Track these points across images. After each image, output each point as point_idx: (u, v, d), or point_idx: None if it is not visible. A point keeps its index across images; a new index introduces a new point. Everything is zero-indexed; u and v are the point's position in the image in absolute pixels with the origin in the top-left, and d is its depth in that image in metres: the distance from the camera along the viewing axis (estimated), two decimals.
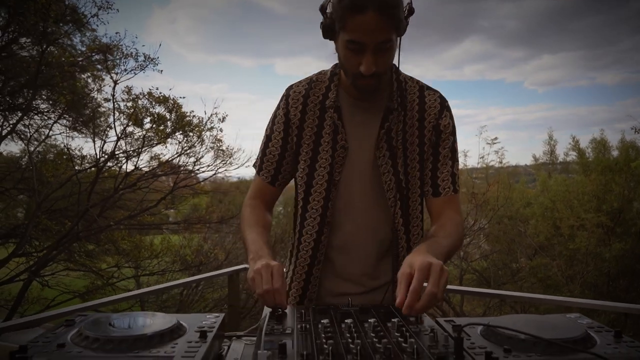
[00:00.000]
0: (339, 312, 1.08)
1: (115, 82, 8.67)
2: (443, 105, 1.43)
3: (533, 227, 11.94)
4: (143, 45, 18.06)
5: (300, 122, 1.43)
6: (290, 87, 1.47)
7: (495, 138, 11.89)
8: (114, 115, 8.93)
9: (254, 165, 1.54)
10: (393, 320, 0.97)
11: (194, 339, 0.94)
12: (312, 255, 1.41)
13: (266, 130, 1.50)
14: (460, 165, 12.57)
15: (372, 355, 0.81)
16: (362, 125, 1.41)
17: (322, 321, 0.97)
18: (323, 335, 0.90)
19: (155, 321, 1.02)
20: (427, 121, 1.41)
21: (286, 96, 1.46)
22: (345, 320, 0.97)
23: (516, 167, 12.74)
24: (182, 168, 10.08)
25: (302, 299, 1.43)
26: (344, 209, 1.41)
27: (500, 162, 11.56)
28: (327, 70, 1.46)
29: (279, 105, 1.48)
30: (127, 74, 8.95)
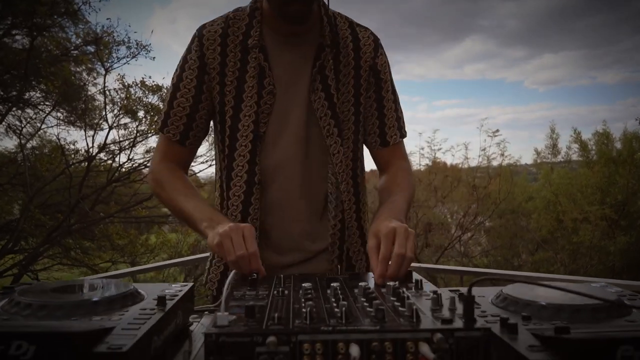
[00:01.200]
0: (324, 279, 0.92)
1: (107, 70, 8.49)
2: (377, 43, 1.29)
3: (535, 221, 11.76)
4: (135, 32, 17.48)
5: (220, 67, 1.21)
6: (203, 27, 1.25)
7: (497, 130, 11.64)
8: (105, 104, 8.74)
9: (157, 122, 1.31)
10: (389, 284, 0.82)
11: (150, 307, 0.79)
12: (242, 220, 1.21)
13: (172, 79, 1.27)
14: (462, 159, 12.47)
15: (361, 318, 0.65)
16: (292, 66, 1.22)
17: (303, 284, 0.81)
18: (303, 300, 0.74)
19: (106, 287, 0.86)
20: (362, 60, 1.26)
21: (199, 37, 1.23)
22: (332, 284, 0.81)
23: (516, 165, 12.51)
24: None
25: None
26: (274, 164, 1.23)
27: (502, 155, 11.37)
28: (245, 6, 1.26)
29: (189, 48, 1.25)
30: (119, 61, 8.78)
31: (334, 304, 0.72)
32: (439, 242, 11.57)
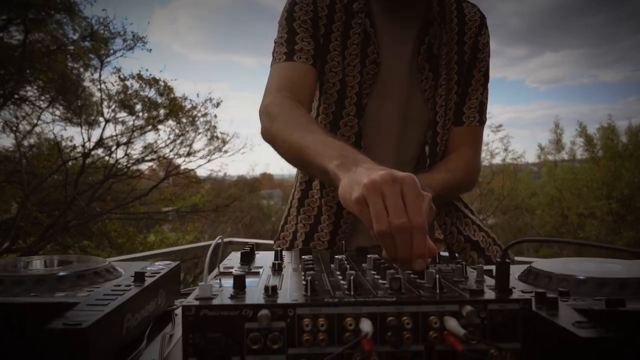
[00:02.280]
0: (327, 253, 0.81)
1: (102, 62, 8.38)
2: (483, 21, 1.20)
3: (539, 217, 11.63)
4: (131, 24, 17.09)
5: (328, 23, 1.10)
6: None
7: (500, 125, 11.55)
8: (101, 97, 8.62)
9: (275, 60, 1.11)
10: None
11: (125, 284, 0.68)
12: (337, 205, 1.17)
13: (280, 22, 1.13)
14: None
15: (374, 290, 0.54)
16: (396, 38, 1.14)
17: (303, 257, 0.70)
18: (302, 272, 0.63)
19: (77, 262, 0.76)
20: (467, 36, 1.17)
21: None
22: (336, 256, 0.70)
23: (519, 163, 12.36)
24: (174, 155, 9.76)
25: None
26: (370, 141, 1.15)
27: (506, 150, 11.27)
28: None
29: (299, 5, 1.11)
30: (115, 54, 8.66)
31: (340, 277, 0.62)
32: None
